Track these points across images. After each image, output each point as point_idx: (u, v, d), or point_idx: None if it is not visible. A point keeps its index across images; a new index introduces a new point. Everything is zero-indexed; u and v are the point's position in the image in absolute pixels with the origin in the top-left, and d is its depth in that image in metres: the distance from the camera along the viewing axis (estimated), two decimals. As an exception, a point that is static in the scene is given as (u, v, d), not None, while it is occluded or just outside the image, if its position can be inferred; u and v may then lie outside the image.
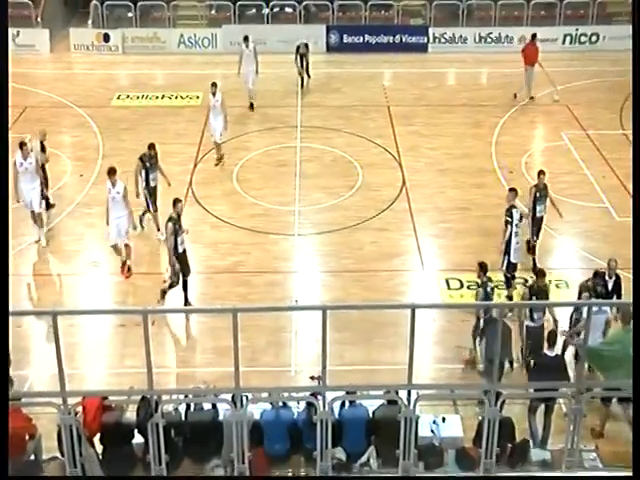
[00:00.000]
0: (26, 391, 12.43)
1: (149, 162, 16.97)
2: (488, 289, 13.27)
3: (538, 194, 15.69)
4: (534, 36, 25.93)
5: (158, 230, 16.88)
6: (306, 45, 25.28)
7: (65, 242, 17.08)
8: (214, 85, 20.02)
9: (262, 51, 26.97)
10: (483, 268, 13.40)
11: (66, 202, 18.44)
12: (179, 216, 14.73)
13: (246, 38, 23.17)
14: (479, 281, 13.52)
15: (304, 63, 25.11)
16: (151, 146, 17.16)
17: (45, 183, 18.63)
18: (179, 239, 14.60)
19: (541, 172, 16.15)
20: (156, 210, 17.08)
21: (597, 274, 13.38)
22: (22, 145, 16.50)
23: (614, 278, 13.24)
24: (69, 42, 27.67)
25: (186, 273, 14.84)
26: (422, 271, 16.18)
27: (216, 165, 20.23)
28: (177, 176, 19.36)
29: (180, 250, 14.68)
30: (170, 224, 14.50)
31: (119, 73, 26.54)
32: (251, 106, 23.47)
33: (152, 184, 17.01)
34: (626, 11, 27.86)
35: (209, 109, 20.35)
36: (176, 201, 14.85)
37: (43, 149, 18.93)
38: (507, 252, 14.66)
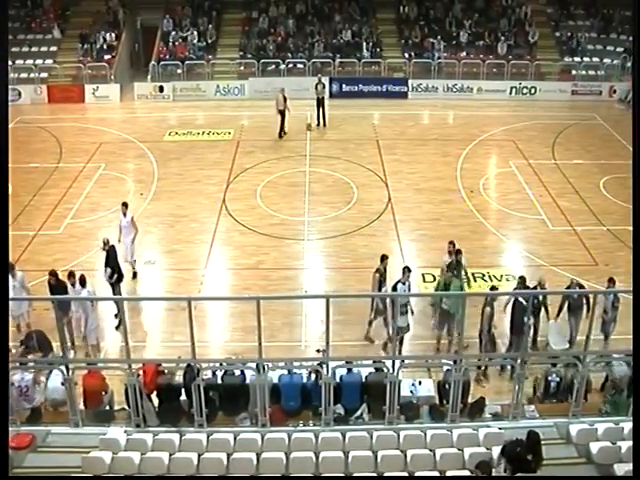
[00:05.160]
0: (102, 358, 12.50)
1: (383, 276, 13.37)
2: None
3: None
4: None
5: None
6: (323, 85, 24.78)
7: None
8: (125, 205, 15.02)
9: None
10: None
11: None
12: (385, 269, 13.15)
13: (125, 204, 15.34)
14: None
15: (320, 110, 24.48)
16: (383, 257, 13.43)
17: (283, 123, 22.46)
18: (383, 289, 13.00)
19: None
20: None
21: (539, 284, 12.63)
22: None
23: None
24: (134, 93, 27.64)
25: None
26: (403, 267, 16.10)
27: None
28: (214, 194, 19.38)
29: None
30: (377, 275, 13.04)
31: (170, 115, 26.44)
32: (134, 275, 15.51)
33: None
34: (555, 71, 28.24)
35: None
36: (384, 257, 13.32)
37: (285, 100, 22.04)
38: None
